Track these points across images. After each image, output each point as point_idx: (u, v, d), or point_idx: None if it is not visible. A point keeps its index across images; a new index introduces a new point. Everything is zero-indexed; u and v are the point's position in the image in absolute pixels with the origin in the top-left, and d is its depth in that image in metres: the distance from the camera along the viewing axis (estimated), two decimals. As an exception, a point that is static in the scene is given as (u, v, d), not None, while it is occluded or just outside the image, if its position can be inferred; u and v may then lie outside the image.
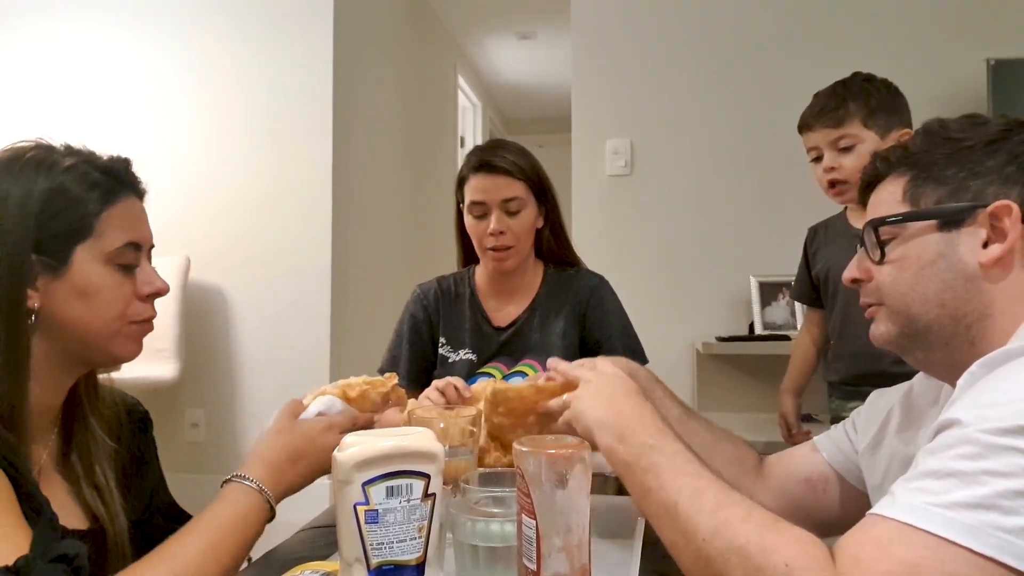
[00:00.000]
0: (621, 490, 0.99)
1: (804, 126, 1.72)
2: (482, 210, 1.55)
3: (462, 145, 5.61)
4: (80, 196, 0.84)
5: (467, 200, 1.57)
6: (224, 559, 0.78)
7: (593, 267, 1.72)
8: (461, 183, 1.60)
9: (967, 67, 2.73)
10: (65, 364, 0.86)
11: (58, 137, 0.90)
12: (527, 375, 1.51)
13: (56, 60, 3.31)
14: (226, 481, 0.84)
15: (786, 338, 2.62)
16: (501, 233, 1.53)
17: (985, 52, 2.67)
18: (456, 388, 1.22)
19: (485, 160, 1.56)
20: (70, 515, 0.86)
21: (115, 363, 0.90)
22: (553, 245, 1.66)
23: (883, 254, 0.81)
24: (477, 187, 1.55)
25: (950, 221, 0.77)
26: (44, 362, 0.83)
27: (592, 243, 2.88)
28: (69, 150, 0.87)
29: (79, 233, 0.83)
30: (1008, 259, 0.74)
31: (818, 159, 1.70)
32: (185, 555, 0.75)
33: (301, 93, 3.13)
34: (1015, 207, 0.74)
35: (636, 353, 1.58)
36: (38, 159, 0.84)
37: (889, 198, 0.82)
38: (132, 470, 0.98)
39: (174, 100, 3.22)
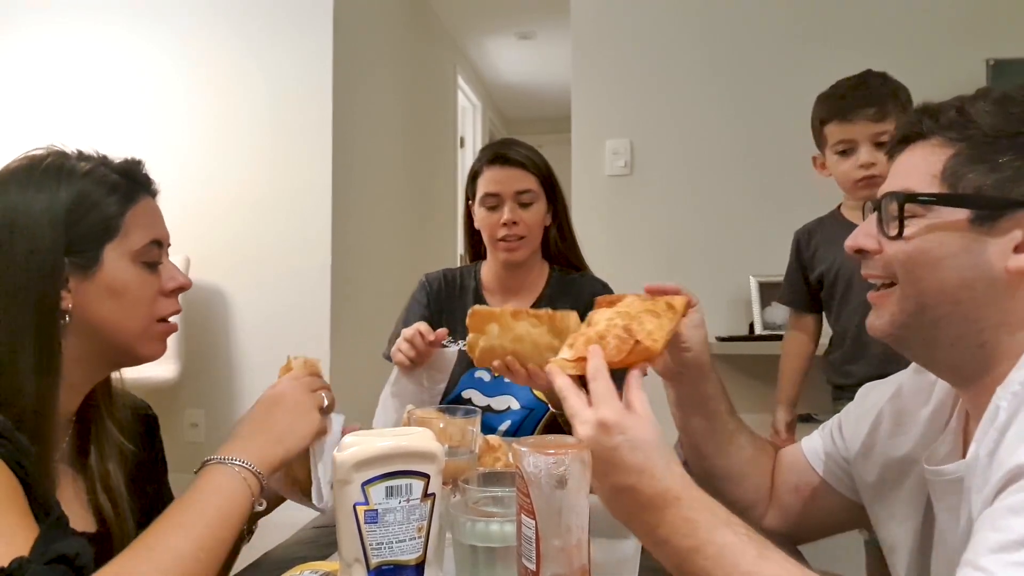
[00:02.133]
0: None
1: (839, 117, 1.63)
2: (495, 201, 1.58)
3: (462, 145, 5.60)
4: (102, 199, 0.85)
5: (480, 192, 1.61)
6: (205, 540, 0.74)
7: (592, 267, 1.73)
8: (474, 177, 1.64)
9: (967, 67, 2.73)
10: (91, 366, 0.87)
11: (60, 139, 0.91)
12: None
13: (56, 60, 3.30)
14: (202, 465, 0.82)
15: (786, 338, 2.61)
16: (514, 224, 1.56)
17: (985, 52, 2.67)
18: (421, 334, 1.29)
19: (500, 153, 1.61)
20: (78, 517, 0.86)
21: (140, 362, 0.91)
22: (560, 245, 1.68)
23: (901, 231, 0.71)
24: (491, 179, 1.59)
25: (986, 216, 0.67)
26: (71, 364, 0.84)
27: (592, 243, 2.85)
28: (82, 155, 0.89)
29: (107, 233, 0.85)
30: None
31: (845, 152, 1.65)
32: (156, 545, 0.72)
33: (301, 93, 3.12)
34: None
35: None
36: (56, 166, 0.85)
37: (924, 167, 0.71)
38: (141, 473, 0.99)
39: (174, 100, 3.22)
